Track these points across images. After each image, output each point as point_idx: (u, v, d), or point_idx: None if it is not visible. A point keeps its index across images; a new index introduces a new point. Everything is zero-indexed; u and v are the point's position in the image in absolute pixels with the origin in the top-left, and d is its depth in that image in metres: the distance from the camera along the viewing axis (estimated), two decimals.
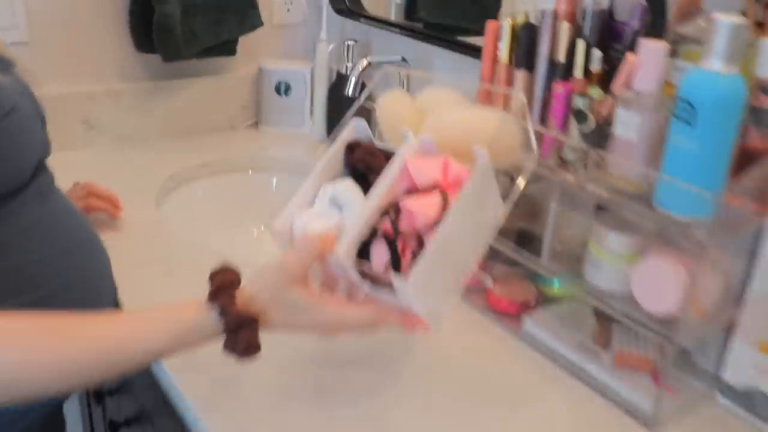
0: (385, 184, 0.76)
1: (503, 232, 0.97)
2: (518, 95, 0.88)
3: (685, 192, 0.73)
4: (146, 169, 1.38)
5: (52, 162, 0.90)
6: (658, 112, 0.77)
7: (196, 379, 0.84)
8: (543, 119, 0.92)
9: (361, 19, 1.55)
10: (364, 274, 0.74)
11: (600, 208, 0.85)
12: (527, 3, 1.11)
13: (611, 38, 0.90)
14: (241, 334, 0.70)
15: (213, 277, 0.73)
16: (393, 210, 0.75)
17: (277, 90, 1.58)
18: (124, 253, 1.04)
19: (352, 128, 0.85)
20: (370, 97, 0.91)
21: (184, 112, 1.54)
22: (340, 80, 1.51)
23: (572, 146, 0.85)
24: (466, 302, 1.02)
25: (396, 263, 0.73)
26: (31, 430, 0.89)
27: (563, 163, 0.87)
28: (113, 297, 0.95)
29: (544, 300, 1.00)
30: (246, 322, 0.70)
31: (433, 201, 0.74)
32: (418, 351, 0.92)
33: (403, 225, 0.74)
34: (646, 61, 0.76)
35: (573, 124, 0.85)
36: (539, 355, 0.93)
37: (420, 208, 0.73)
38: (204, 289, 0.72)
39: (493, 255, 0.96)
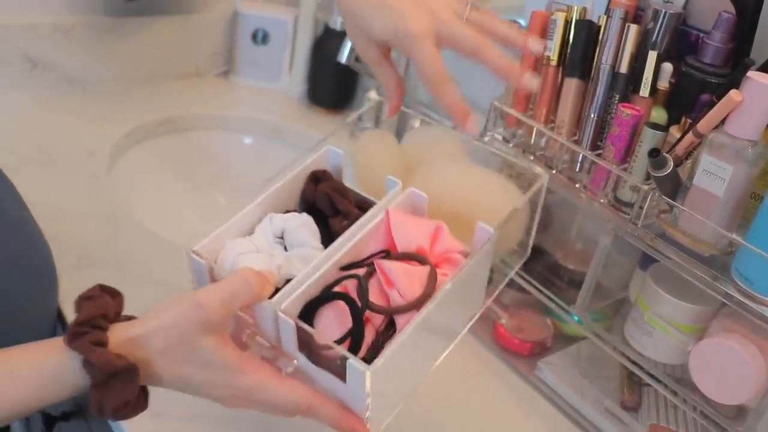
0: (356, 235, 0.58)
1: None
2: (543, 174, 0.66)
3: None
4: (98, 122, 1.16)
5: None
6: (755, 166, 0.62)
7: None
8: (596, 142, 0.75)
9: None
10: (302, 341, 0.53)
11: (653, 260, 0.70)
12: None
13: (683, 48, 0.73)
14: (112, 388, 0.50)
15: (79, 305, 0.52)
16: (363, 269, 0.57)
17: (254, 38, 1.36)
18: (68, 248, 0.85)
19: (323, 155, 0.65)
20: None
21: (145, 55, 1.31)
22: (328, 35, 1.31)
23: (634, 186, 0.69)
24: (472, 335, 0.86)
25: (356, 340, 0.53)
26: None
27: (618, 201, 0.71)
28: (52, 315, 0.76)
29: (561, 336, 0.86)
30: (118, 372, 0.49)
31: (419, 273, 0.56)
32: (419, 397, 0.77)
33: (374, 288, 0.56)
34: (753, 102, 0.59)
35: (640, 158, 0.68)
36: (554, 408, 0.80)
37: (401, 276, 0.55)
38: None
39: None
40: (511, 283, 0.83)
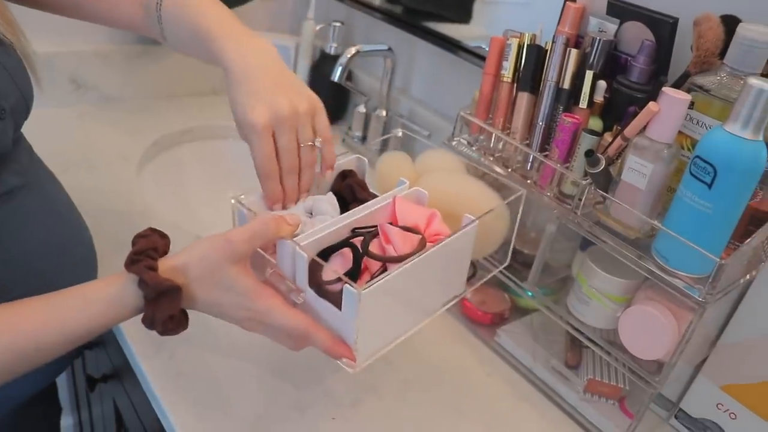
0: (368, 208, 0.63)
1: None
2: (522, 189, 0.69)
3: (689, 249, 0.61)
4: (131, 133, 1.18)
5: (39, 119, 0.72)
6: (671, 164, 0.65)
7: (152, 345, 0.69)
8: (544, 145, 0.78)
9: (346, 1, 1.35)
10: (312, 278, 0.56)
11: (590, 243, 0.72)
12: None
13: (614, 69, 0.76)
14: (161, 304, 0.53)
15: (134, 241, 0.56)
16: (368, 231, 0.61)
17: None
18: (106, 237, 0.87)
19: (354, 160, 0.69)
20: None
21: (169, 76, 1.33)
22: (324, 59, 1.33)
23: (574, 181, 0.72)
24: None
25: (354, 277, 0.57)
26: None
27: (562, 194, 0.74)
28: None
29: (517, 308, 0.89)
30: (166, 291, 0.52)
31: (411, 238, 0.60)
32: (396, 360, 0.80)
33: (375, 246, 0.60)
34: (667, 111, 0.62)
35: (579, 158, 0.71)
36: (511, 369, 0.82)
37: (398, 236, 0.59)
38: None
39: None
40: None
